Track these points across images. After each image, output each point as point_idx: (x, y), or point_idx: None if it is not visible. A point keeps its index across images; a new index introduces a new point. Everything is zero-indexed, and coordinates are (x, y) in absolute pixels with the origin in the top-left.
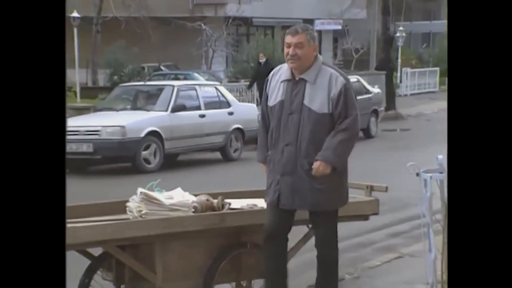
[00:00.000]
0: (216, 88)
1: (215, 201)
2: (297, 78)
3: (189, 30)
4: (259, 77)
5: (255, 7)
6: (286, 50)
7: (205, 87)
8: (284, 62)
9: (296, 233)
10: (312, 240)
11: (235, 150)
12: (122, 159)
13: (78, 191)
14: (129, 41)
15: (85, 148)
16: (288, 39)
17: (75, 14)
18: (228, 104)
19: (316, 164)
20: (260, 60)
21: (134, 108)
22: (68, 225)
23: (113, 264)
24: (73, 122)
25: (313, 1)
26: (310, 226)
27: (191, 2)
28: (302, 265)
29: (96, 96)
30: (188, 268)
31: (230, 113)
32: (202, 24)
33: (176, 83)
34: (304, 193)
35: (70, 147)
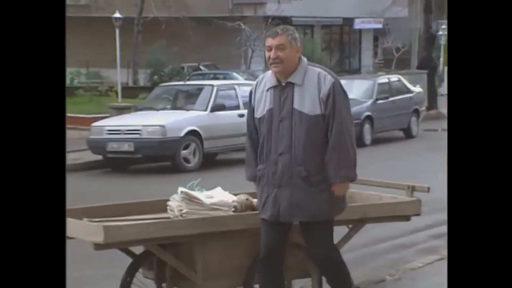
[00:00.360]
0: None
1: (255, 200)
2: (283, 83)
3: (228, 30)
4: None
5: (295, 6)
6: (267, 54)
7: (244, 86)
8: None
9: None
10: (350, 242)
11: None
12: (162, 158)
13: (118, 189)
14: (169, 41)
15: (126, 147)
16: (269, 41)
17: (117, 14)
18: None
19: (336, 187)
20: None
21: (174, 107)
22: (111, 224)
23: (154, 263)
24: (114, 122)
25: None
26: (350, 226)
27: (230, 2)
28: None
29: (136, 95)
30: (228, 267)
31: None
32: (242, 24)
33: (215, 82)
34: (304, 204)
35: (111, 146)
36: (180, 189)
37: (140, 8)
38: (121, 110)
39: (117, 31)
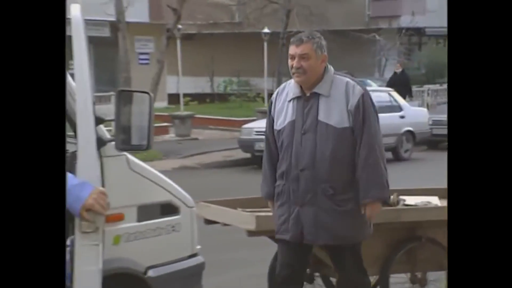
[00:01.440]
0: (389, 93)
1: (391, 197)
2: (307, 94)
3: (364, 41)
4: (393, 87)
5: (429, 18)
6: (290, 62)
7: (378, 92)
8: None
9: None
10: None
11: (406, 151)
12: None
13: None
14: None
15: None
16: (292, 49)
17: (265, 30)
18: (400, 108)
19: (368, 209)
20: (396, 70)
21: None
22: (262, 214)
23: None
24: (261, 124)
25: None
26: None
27: (367, 16)
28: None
29: None
30: (367, 258)
31: (402, 117)
32: (377, 36)
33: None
34: (329, 225)
35: (259, 146)
36: None
37: (285, 24)
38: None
39: (265, 44)
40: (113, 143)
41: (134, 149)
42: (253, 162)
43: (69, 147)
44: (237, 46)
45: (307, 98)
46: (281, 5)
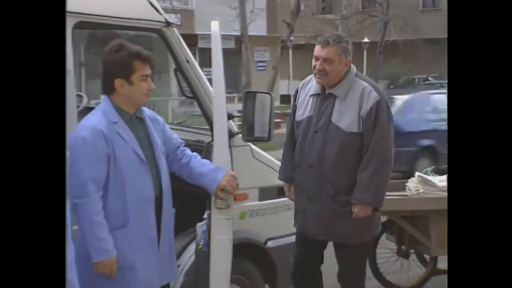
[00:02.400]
0: None
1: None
2: (326, 93)
3: None
4: None
5: None
6: (313, 62)
7: None
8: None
9: None
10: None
11: None
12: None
13: None
14: (404, 58)
15: None
16: (317, 51)
17: (365, 40)
18: None
19: (355, 210)
20: None
21: None
22: None
23: (395, 229)
24: None
25: None
26: None
27: None
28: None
29: None
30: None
31: None
32: None
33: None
34: (329, 222)
35: None
36: (417, 173)
37: (382, 34)
38: None
39: (364, 52)
40: (240, 135)
41: (257, 140)
42: None
43: (206, 139)
44: None
45: (325, 97)
46: (379, 18)
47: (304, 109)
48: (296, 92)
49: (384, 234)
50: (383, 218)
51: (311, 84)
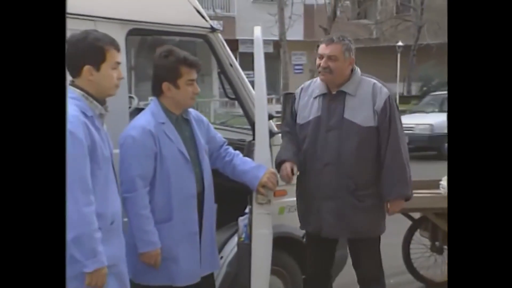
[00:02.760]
0: None
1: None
2: (333, 92)
3: None
4: None
5: None
6: (318, 61)
7: None
8: None
9: None
10: None
11: None
12: (430, 148)
13: None
14: (437, 61)
15: None
16: (321, 49)
17: (399, 43)
18: None
19: (392, 205)
20: None
21: (441, 111)
22: None
23: (429, 226)
24: None
25: None
26: None
27: None
28: None
29: (409, 102)
30: None
31: None
32: None
33: None
34: (350, 218)
35: None
36: None
37: (416, 38)
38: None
39: (398, 55)
40: (279, 134)
41: None
42: None
43: (247, 138)
44: (374, 57)
45: (333, 97)
46: (413, 22)
47: (310, 110)
48: (294, 98)
49: (418, 230)
50: (417, 215)
51: (313, 87)
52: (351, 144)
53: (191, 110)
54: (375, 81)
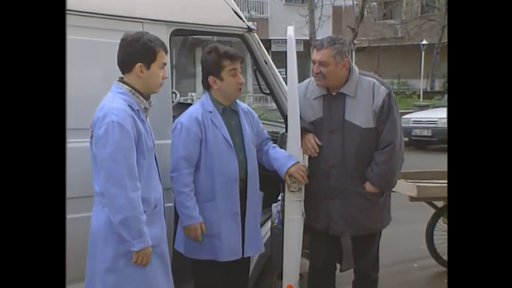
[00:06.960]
0: None
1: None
2: (333, 93)
3: None
4: None
5: None
6: (312, 66)
7: None
8: None
9: None
10: None
11: None
12: None
13: (420, 162)
14: None
15: (425, 132)
16: (313, 54)
17: (423, 42)
18: None
19: (367, 187)
20: None
21: None
22: (421, 184)
23: None
24: (417, 115)
25: None
26: None
27: None
28: None
29: (433, 97)
30: None
31: None
32: None
33: None
34: (356, 218)
35: (415, 132)
36: None
37: (440, 37)
38: (421, 108)
39: (422, 53)
40: None
41: None
42: (410, 144)
43: (280, 130)
44: (398, 55)
45: (333, 98)
46: (437, 22)
47: (312, 112)
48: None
49: (441, 218)
50: (440, 204)
51: (312, 88)
52: (353, 145)
53: (242, 104)
54: (374, 80)
